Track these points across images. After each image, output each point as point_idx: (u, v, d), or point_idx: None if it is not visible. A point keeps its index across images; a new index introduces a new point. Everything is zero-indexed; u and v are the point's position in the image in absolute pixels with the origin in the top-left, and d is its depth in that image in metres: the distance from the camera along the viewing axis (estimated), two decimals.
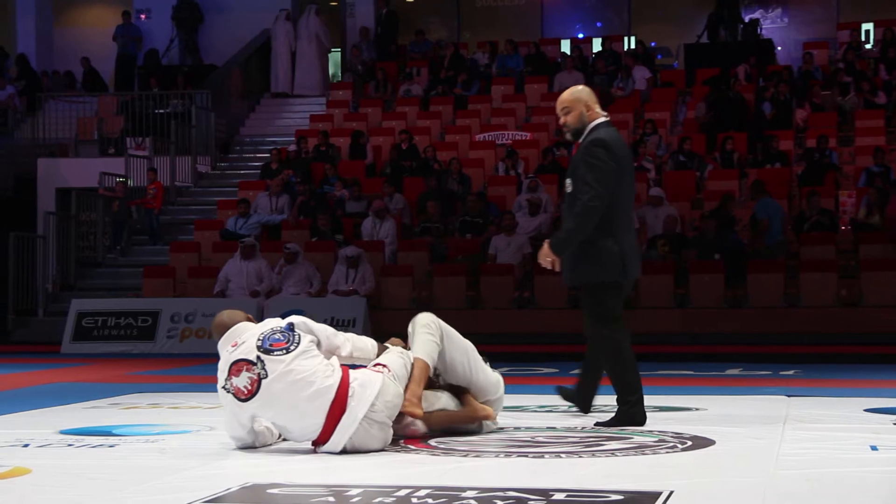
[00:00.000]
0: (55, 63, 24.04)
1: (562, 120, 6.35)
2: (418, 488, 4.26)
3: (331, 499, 4.15)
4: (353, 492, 4.25)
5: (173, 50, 23.34)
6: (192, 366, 12.38)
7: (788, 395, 7.65)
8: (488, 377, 5.87)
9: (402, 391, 5.33)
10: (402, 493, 4.19)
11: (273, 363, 5.16)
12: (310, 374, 5.15)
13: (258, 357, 5.18)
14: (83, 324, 15.46)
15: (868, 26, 22.34)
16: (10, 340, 16.69)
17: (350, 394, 5.15)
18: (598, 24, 24.67)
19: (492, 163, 18.90)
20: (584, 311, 6.34)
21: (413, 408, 5.38)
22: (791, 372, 10.47)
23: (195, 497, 4.15)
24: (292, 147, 19.62)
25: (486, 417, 5.81)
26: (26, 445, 5.53)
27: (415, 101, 21.15)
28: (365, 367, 5.41)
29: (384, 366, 5.35)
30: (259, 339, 5.23)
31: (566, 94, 6.35)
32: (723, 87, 19.43)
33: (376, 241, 16.54)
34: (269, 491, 4.33)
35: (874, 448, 5.26)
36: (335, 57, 23.73)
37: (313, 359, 5.21)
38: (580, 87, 6.52)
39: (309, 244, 16.67)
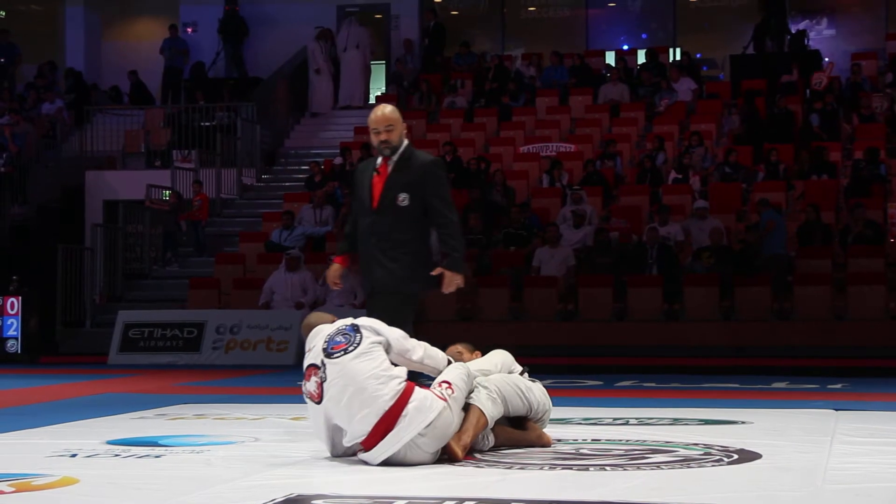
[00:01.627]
0: (103, 76, 24.30)
1: (384, 136, 6.62)
2: (463, 500, 4.25)
3: None
4: (398, 503, 4.25)
5: (219, 63, 23.52)
6: (238, 377, 12.45)
7: (836, 409, 7.57)
8: (539, 398, 5.85)
9: (457, 424, 5.27)
10: None
11: (332, 366, 5.24)
12: (363, 378, 5.17)
13: (322, 361, 5.28)
14: (130, 335, 15.58)
15: None
16: (59, 351, 16.86)
17: (403, 414, 5.13)
18: (644, 36, 24.57)
19: (536, 174, 18.86)
20: (385, 314, 6.25)
21: (458, 449, 5.27)
22: (839, 386, 10.36)
23: None
24: (337, 159, 19.68)
25: (547, 445, 5.80)
26: (74, 455, 5.58)
27: (459, 112, 21.17)
28: (431, 382, 5.41)
29: (449, 385, 5.31)
30: (325, 342, 5.32)
31: (389, 113, 6.66)
32: (766, 99, 19.26)
33: None
34: (313, 502, 4.33)
35: None
36: (379, 69, 23.80)
37: (371, 361, 5.22)
38: (392, 106, 6.82)
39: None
